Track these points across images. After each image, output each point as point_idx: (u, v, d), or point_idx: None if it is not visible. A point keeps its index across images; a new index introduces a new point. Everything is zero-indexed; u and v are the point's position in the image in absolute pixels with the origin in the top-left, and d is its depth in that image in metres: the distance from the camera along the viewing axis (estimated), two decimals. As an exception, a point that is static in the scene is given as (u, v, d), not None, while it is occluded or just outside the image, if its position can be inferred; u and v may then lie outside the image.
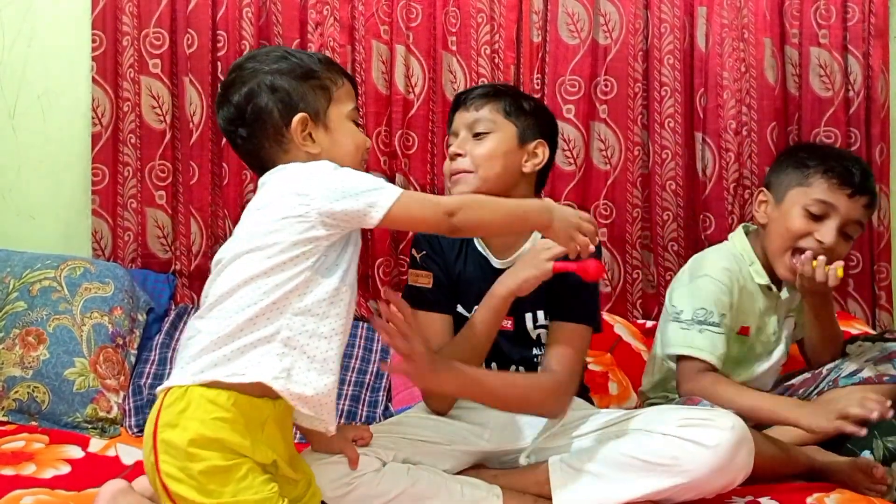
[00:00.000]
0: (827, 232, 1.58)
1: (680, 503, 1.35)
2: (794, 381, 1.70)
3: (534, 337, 1.53)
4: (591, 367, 1.92)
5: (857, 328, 2.02)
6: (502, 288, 1.41)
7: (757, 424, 1.61)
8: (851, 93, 2.10)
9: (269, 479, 1.13)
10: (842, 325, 2.01)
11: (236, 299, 1.14)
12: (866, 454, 1.54)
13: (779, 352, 1.72)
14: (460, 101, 1.55)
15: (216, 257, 1.22)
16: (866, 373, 1.59)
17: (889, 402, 1.39)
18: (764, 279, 1.66)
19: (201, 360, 1.12)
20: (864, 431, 1.36)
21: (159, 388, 1.17)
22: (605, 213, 2.15)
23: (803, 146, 1.76)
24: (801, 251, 1.59)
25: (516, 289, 1.39)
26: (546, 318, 1.52)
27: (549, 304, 1.50)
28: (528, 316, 1.52)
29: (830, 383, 1.61)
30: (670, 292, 1.72)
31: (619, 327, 2.05)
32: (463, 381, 1.37)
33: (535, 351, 1.53)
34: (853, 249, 2.12)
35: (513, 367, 1.53)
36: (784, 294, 1.69)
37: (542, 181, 1.59)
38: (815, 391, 1.64)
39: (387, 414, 1.86)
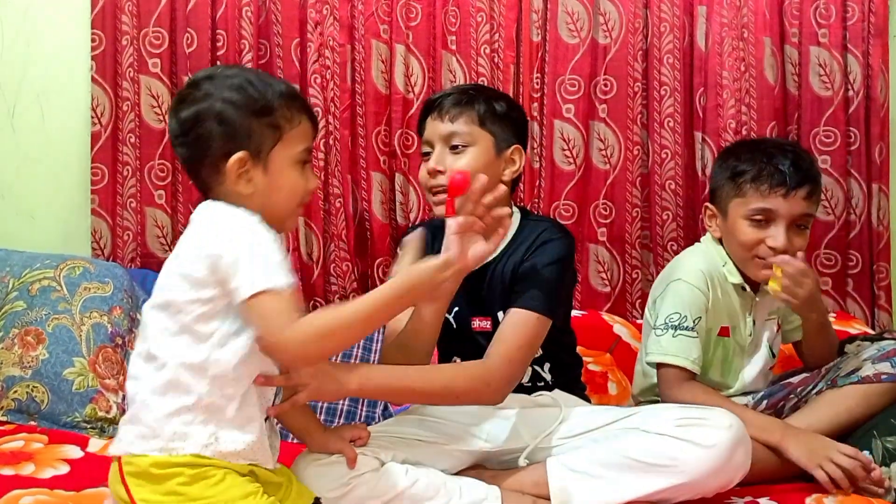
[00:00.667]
0: (777, 236, 1.57)
1: (678, 503, 1.35)
2: (792, 379, 1.70)
3: None
4: (590, 367, 1.92)
5: (856, 328, 2.01)
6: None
7: None
8: (851, 92, 2.10)
9: (250, 481, 1.14)
10: (841, 326, 2.01)
11: (154, 360, 1.13)
12: (866, 454, 1.53)
13: (761, 356, 1.71)
14: (432, 108, 1.50)
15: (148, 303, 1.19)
16: (864, 371, 1.59)
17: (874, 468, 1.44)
18: (737, 279, 1.65)
19: (136, 429, 1.13)
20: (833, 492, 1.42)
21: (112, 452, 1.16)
22: (605, 212, 2.15)
23: (732, 150, 1.70)
24: (762, 258, 1.59)
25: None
26: None
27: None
28: (501, 314, 1.50)
29: (829, 383, 1.61)
30: (649, 299, 1.71)
31: (619, 327, 2.05)
32: (372, 382, 1.32)
33: None
34: (852, 249, 2.12)
35: None
36: (760, 295, 1.67)
37: (515, 185, 1.59)
38: (814, 390, 1.64)
39: (386, 413, 1.86)
